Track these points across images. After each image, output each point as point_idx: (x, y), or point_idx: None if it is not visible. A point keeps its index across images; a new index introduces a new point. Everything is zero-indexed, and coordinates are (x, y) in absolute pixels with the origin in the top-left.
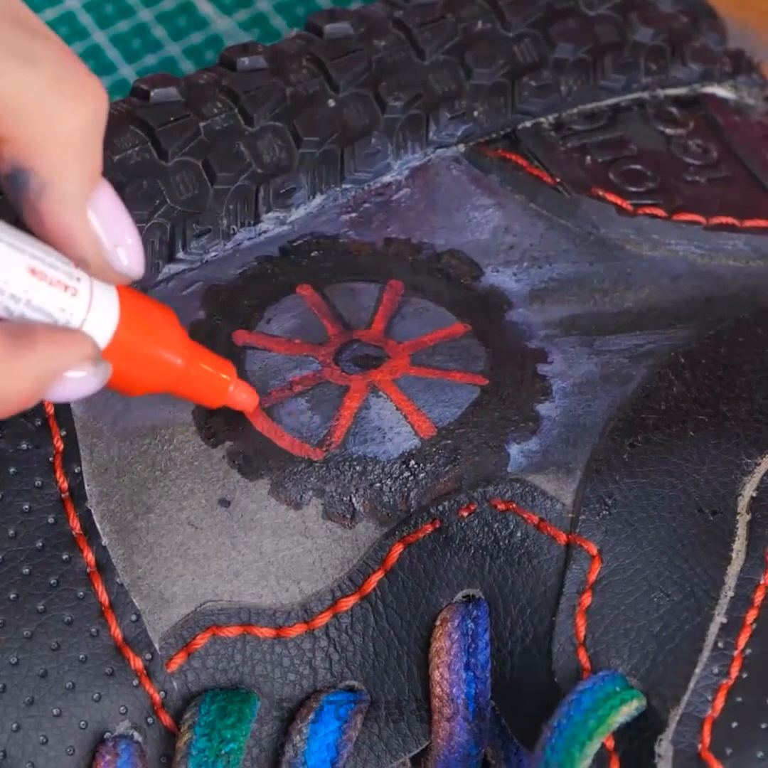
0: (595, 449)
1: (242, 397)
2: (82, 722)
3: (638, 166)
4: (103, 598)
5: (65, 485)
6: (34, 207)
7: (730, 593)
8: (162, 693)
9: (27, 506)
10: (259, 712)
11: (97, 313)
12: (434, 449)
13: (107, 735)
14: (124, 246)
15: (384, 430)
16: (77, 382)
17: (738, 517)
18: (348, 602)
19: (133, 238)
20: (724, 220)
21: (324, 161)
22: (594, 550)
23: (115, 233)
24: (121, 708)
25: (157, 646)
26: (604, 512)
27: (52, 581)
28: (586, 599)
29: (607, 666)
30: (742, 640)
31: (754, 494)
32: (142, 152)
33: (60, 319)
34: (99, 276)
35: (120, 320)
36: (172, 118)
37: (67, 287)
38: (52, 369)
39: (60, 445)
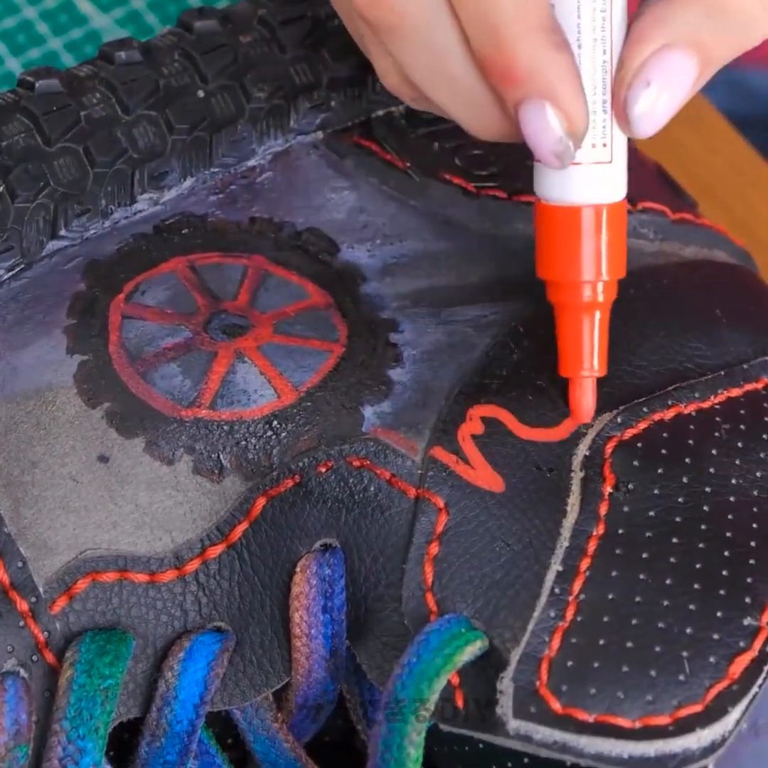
0: (442, 411)
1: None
2: None
3: (481, 152)
4: None
5: None
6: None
7: (566, 544)
8: (46, 633)
9: None
10: (134, 651)
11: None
12: (295, 411)
13: None
14: (650, 98)
15: (249, 392)
16: (540, 118)
17: (573, 475)
18: (216, 550)
19: (663, 107)
20: None
21: (194, 147)
22: (441, 503)
23: (655, 81)
24: (9, 647)
25: (41, 590)
26: (450, 469)
27: None
28: (434, 548)
29: (453, 610)
30: (577, 586)
31: (588, 453)
32: (28, 138)
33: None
34: (613, 94)
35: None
36: (55, 107)
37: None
38: (537, 74)
39: None
